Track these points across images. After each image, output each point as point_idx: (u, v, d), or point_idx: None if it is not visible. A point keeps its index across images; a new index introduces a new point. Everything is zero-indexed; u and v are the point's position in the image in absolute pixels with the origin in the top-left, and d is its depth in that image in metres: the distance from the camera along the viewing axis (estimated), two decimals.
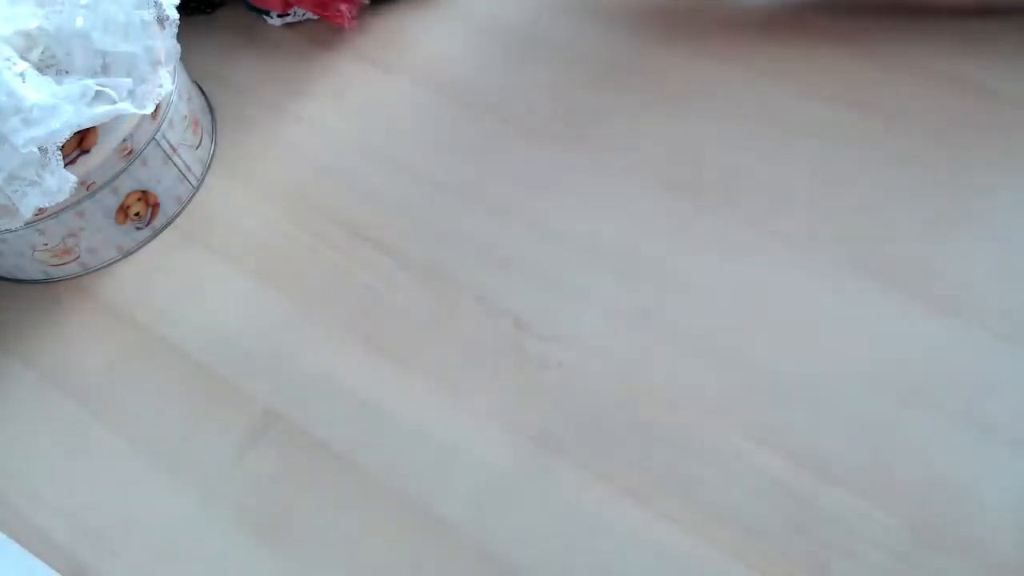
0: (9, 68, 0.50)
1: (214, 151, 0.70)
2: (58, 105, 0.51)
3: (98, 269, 0.65)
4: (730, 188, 0.63)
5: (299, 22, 0.77)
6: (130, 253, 0.65)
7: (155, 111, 0.59)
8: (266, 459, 0.55)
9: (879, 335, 0.56)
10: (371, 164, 0.68)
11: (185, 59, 0.67)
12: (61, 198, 0.53)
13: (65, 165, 0.54)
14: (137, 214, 0.63)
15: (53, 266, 0.63)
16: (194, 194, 0.68)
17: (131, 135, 0.58)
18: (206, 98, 0.73)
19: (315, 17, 0.75)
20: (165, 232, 0.66)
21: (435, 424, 0.55)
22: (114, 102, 0.55)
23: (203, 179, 0.68)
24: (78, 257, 0.63)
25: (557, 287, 0.60)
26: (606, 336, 0.58)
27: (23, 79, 0.50)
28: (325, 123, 0.71)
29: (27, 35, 0.52)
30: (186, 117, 0.65)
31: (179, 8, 0.60)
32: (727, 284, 0.59)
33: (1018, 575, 0.48)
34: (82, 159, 0.56)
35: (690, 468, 0.52)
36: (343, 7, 0.72)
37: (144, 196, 0.63)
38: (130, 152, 0.59)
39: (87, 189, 0.58)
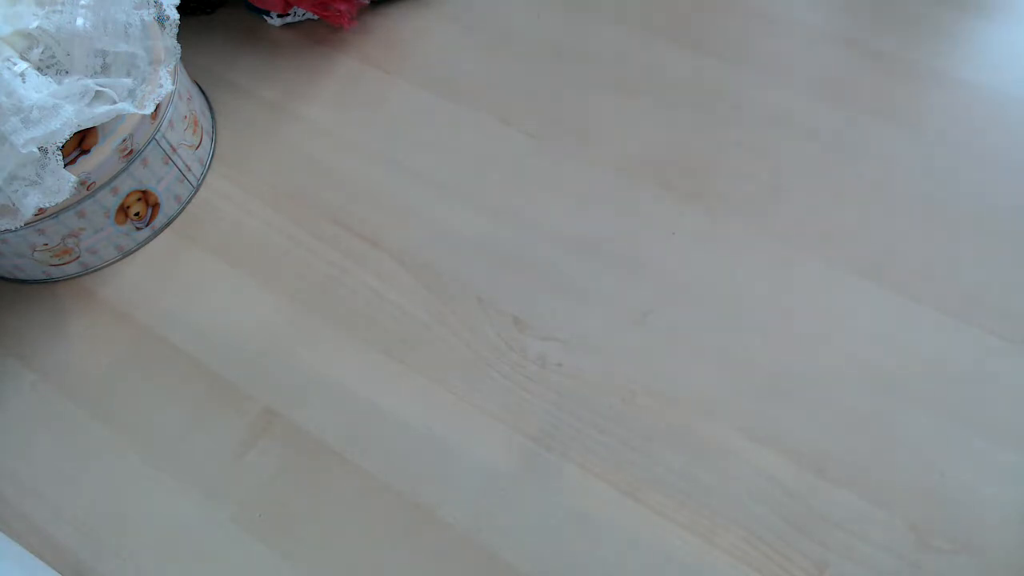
0: (9, 68, 0.50)
1: (214, 151, 0.70)
2: (58, 105, 0.51)
3: (98, 269, 0.65)
4: (731, 188, 0.64)
5: (299, 22, 0.77)
6: (130, 253, 0.65)
7: (155, 111, 0.59)
8: (266, 459, 0.55)
9: (879, 335, 0.56)
10: (371, 164, 0.68)
11: (185, 59, 0.67)
12: (61, 198, 0.53)
13: (65, 165, 0.54)
14: (137, 214, 0.63)
15: (53, 266, 0.63)
16: (194, 194, 0.68)
17: (131, 135, 0.58)
18: (206, 98, 0.73)
19: (315, 17, 0.75)
20: (165, 232, 0.66)
21: (435, 424, 0.55)
22: (114, 102, 0.55)
23: (203, 179, 0.68)
24: (78, 257, 0.63)
25: (557, 287, 0.60)
26: (606, 336, 0.58)
27: (23, 79, 0.50)
28: (325, 123, 0.71)
29: (27, 35, 0.52)
30: (186, 117, 0.65)
31: (179, 8, 0.60)
32: (727, 284, 0.59)
33: (1018, 575, 0.48)
34: (82, 159, 0.56)
35: (690, 468, 0.52)
36: (343, 7, 0.72)
37: (144, 196, 0.63)
38: (130, 152, 0.59)
39: (87, 189, 0.58)
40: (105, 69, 0.55)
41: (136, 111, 0.56)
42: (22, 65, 0.51)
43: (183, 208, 0.67)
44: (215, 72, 0.75)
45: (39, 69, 0.52)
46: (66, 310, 0.63)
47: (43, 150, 0.52)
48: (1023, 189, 0.62)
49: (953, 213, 0.61)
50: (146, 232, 0.65)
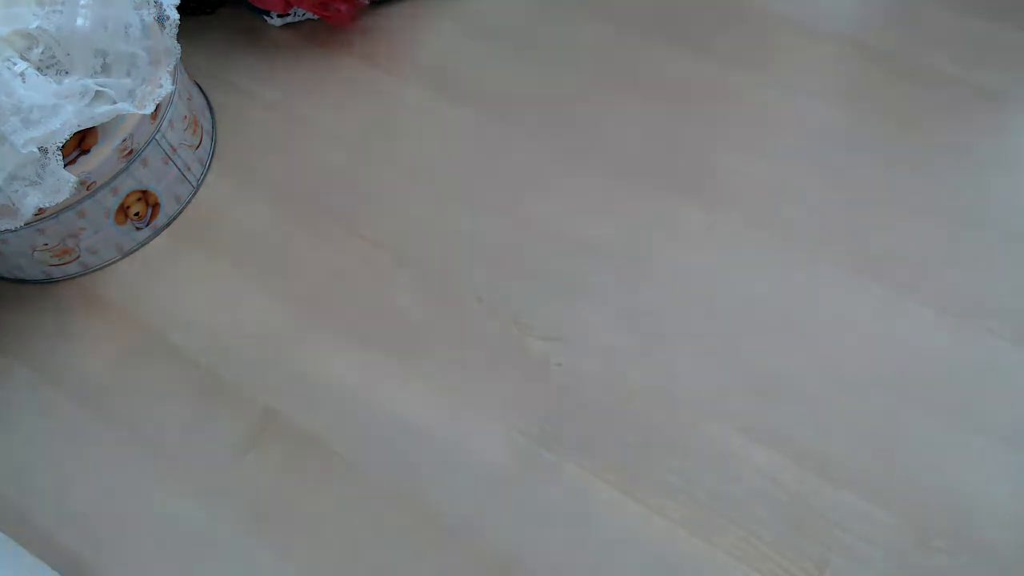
0: (9, 68, 0.50)
1: (214, 151, 0.70)
2: (58, 105, 0.51)
3: (98, 269, 0.65)
4: (731, 188, 0.63)
5: (299, 22, 0.77)
6: (130, 253, 0.65)
7: (155, 111, 0.59)
8: (266, 458, 0.55)
9: (879, 335, 0.56)
10: (371, 164, 0.68)
11: (185, 59, 0.67)
12: (61, 198, 0.53)
13: (65, 165, 0.54)
14: (137, 214, 0.63)
15: (53, 266, 0.63)
16: (194, 194, 0.68)
17: (131, 135, 0.58)
18: (206, 98, 0.73)
19: (315, 17, 0.75)
20: (165, 232, 0.66)
21: (435, 423, 0.55)
22: (114, 102, 0.55)
23: (203, 179, 0.68)
24: (78, 257, 0.63)
25: (557, 287, 0.60)
26: (606, 336, 0.58)
27: (23, 79, 0.50)
28: (325, 123, 0.71)
29: (27, 35, 0.52)
30: (186, 117, 0.65)
31: (179, 8, 0.60)
32: (727, 284, 0.59)
33: (1018, 575, 0.48)
34: (82, 159, 0.56)
35: (690, 468, 0.52)
36: (343, 7, 0.72)
37: (144, 196, 0.63)
38: (130, 152, 0.59)
39: (87, 189, 0.58)
40: (105, 69, 0.56)
41: (136, 111, 0.56)
42: (22, 65, 0.51)
43: (183, 208, 0.67)
44: (215, 72, 0.75)
45: (39, 69, 0.52)
46: (66, 310, 0.63)
47: (43, 150, 0.52)
48: (1022, 188, 0.62)
49: (953, 213, 0.61)
50: (146, 232, 0.65)
